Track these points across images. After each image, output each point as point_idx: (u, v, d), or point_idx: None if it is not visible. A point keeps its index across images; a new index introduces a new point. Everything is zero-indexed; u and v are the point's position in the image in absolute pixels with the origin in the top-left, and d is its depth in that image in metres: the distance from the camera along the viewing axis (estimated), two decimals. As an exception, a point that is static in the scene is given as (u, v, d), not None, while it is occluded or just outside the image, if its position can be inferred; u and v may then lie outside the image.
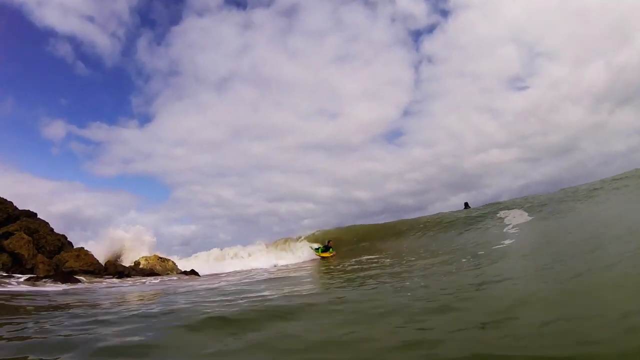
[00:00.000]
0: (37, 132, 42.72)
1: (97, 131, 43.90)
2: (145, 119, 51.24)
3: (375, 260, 11.87)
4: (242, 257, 20.41)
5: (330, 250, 17.56)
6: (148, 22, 46.66)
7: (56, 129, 42.12)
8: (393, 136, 53.86)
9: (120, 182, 45.17)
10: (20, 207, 15.86)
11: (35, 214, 16.17)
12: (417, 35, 51.28)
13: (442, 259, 9.03)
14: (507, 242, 9.85)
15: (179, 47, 47.99)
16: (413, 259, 10.44)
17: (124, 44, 43.61)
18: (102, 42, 41.40)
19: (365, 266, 10.52)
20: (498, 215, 15.55)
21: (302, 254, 19.10)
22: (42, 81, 43.86)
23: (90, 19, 42.25)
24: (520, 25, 42.52)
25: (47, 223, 15.93)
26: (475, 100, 45.33)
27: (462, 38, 45.39)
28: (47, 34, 42.61)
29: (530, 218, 13.45)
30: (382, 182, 41.58)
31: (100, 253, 16.75)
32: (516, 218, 13.97)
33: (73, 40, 43.73)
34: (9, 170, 34.79)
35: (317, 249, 18.00)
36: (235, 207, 41.66)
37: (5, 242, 13.32)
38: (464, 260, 8.11)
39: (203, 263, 19.31)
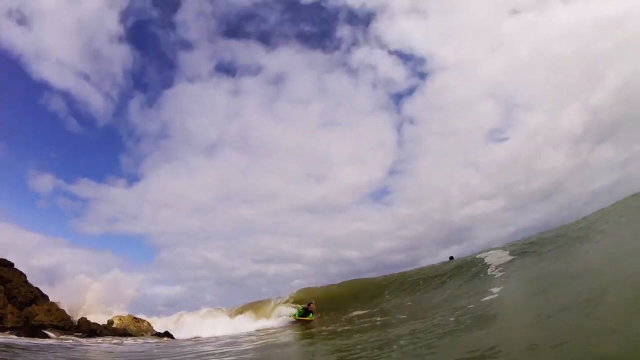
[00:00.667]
0: (24, 184, 42.22)
1: (85, 188, 43.64)
2: (133, 179, 51.58)
3: (367, 320, 11.90)
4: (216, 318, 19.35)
5: (310, 315, 15.50)
6: (141, 85, 49.46)
7: (44, 182, 41.64)
8: (380, 195, 55.43)
9: (105, 241, 43.29)
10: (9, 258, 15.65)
11: (12, 264, 15.81)
12: (398, 98, 51.48)
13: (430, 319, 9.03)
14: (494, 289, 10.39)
15: (170, 111, 50.11)
16: (403, 316, 10.86)
17: (117, 104, 45.58)
18: (96, 100, 43.26)
19: (355, 327, 10.59)
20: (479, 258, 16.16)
21: (281, 318, 17.55)
22: (34, 133, 44.05)
23: (86, 77, 44.27)
24: (496, 81, 46.11)
25: (22, 274, 15.53)
26: (458, 156, 46.58)
27: (440, 98, 47.09)
28: (42, 88, 43.16)
29: (511, 257, 14.34)
30: (371, 240, 41.74)
31: (66, 302, 16.22)
32: (498, 259, 14.63)
33: (67, 96, 45.38)
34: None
35: (295, 314, 16.16)
36: (222, 270, 40.43)
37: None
38: (451, 319, 8.12)
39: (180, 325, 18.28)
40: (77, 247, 39.38)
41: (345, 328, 10.93)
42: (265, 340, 11.45)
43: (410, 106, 49.23)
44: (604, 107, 34.77)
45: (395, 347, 6.39)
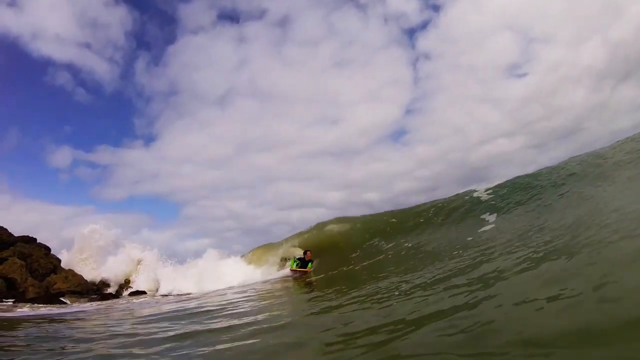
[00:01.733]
0: (44, 161, 44.69)
1: (103, 154, 45.70)
2: (149, 139, 52.87)
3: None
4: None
5: (310, 265, 12.63)
6: (144, 45, 48.72)
7: (62, 156, 43.81)
8: (397, 135, 53.26)
9: (131, 204, 46.46)
10: (32, 234, 17.01)
11: (35, 239, 17.12)
12: (411, 33, 49.78)
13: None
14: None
15: (176, 67, 49.77)
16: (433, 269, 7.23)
17: (122, 67, 45.52)
18: (101, 67, 43.39)
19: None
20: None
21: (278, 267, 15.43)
22: (45, 110, 45.95)
23: (87, 46, 44.34)
24: (512, 12, 41.74)
25: (44, 247, 16.78)
26: (476, 92, 44.03)
27: (455, 31, 44.10)
28: (45, 64, 44.58)
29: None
30: (390, 182, 40.99)
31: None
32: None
33: (71, 68, 46.12)
34: (19, 199, 36.79)
35: (290, 263, 13.39)
36: (247, 219, 42.02)
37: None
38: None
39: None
40: (105, 213, 42.69)
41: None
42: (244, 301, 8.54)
43: (425, 41, 45.59)
44: (625, 42, 28.70)
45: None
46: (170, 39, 52.44)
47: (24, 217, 32.14)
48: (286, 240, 17.39)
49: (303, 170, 48.13)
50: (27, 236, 17.05)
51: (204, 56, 50.27)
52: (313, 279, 11.51)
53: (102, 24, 43.72)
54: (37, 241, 17.16)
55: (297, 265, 12.88)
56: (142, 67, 46.49)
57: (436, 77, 47.91)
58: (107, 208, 44.50)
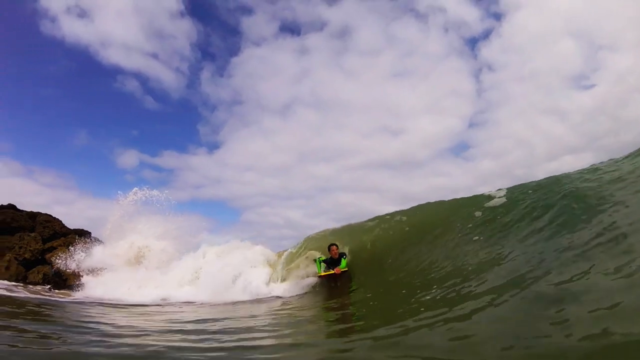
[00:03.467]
0: (112, 162, 47.83)
1: (169, 159, 48.61)
2: (213, 146, 55.80)
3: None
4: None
5: (343, 262, 9.08)
6: (209, 56, 51.62)
7: (129, 158, 47.05)
8: (460, 149, 50.47)
9: (193, 206, 47.99)
10: (93, 230, 18.11)
11: (89, 233, 17.90)
12: (473, 43, 47.84)
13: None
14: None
15: (240, 77, 51.92)
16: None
17: (188, 77, 48.43)
18: (167, 77, 46.49)
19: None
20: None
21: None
22: (114, 115, 49.66)
23: (154, 56, 47.66)
24: (577, 19, 38.72)
25: (95, 240, 17.36)
26: (540, 104, 42.39)
27: (518, 40, 41.82)
28: (115, 72, 47.79)
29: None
30: (452, 197, 37.13)
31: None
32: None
33: (139, 77, 49.75)
34: (84, 196, 39.63)
35: (318, 261, 9.60)
36: (304, 229, 41.31)
37: (47, 256, 14.72)
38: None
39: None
40: (171, 213, 44.08)
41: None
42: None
43: (488, 51, 43.60)
44: None
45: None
46: (234, 51, 55.49)
47: (86, 213, 34.60)
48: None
49: (362, 181, 47.10)
50: (82, 229, 17.89)
51: (266, 67, 52.33)
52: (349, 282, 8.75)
53: (168, 35, 47.43)
54: (92, 235, 17.93)
55: (325, 268, 9.36)
56: (207, 77, 49.58)
57: (500, 89, 45.86)
58: (170, 210, 46.54)
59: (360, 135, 50.86)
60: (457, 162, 45.62)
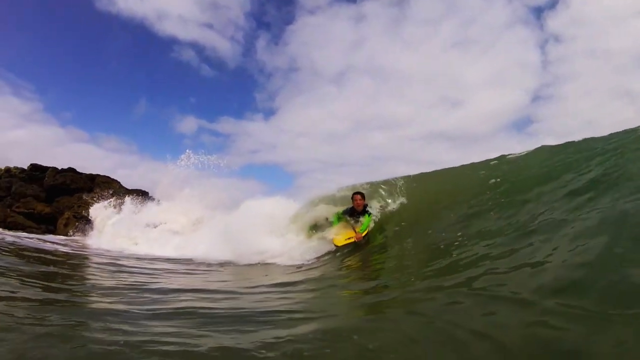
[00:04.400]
0: (171, 128, 50.35)
1: (226, 125, 49.46)
2: (269, 113, 55.12)
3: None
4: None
5: (367, 219, 6.75)
6: (263, 25, 49.83)
7: (188, 124, 48.95)
8: (523, 124, 46.61)
9: (249, 171, 48.62)
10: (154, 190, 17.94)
11: (146, 193, 17.58)
12: (538, 12, 43.60)
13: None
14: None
15: (295, 45, 50.77)
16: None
17: (244, 46, 47.68)
18: (223, 46, 46.36)
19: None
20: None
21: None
22: (172, 83, 51.27)
23: (209, 26, 47.61)
24: None
25: (151, 199, 16.90)
26: (610, 83, 39.55)
27: (588, 12, 39.41)
28: (171, 42, 49.12)
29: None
30: None
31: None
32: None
33: (195, 46, 50.55)
34: (145, 160, 42.18)
35: (336, 217, 7.11)
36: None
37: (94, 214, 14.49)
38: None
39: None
40: (223, 177, 44.88)
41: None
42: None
43: (554, 21, 41.35)
44: None
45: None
46: (289, 19, 54.13)
47: (148, 175, 36.95)
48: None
49: (418, 152, 43.20)
50: (140, 189, 17.68)
51: (321, 35, 50.47)
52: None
53: (223, 5, 46.92)
54: (149, 195, 17.58)
55: (343, 223, 6.86)
56: (262, 46, 48.63)
57: (568, 62, 42.72)
58: (226, 174, 48.00)
59: (417, 105, 46.95)
60: (519, 138, 42.63)
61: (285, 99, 53.57)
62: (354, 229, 6.65)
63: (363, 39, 51.16)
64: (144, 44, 49.05)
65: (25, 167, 18.07)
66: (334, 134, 52.98)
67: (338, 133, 51.79)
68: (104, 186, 16.45)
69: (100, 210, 14.18)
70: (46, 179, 16.63)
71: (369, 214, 6.94)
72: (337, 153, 52.29)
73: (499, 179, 6.25)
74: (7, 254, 6.09)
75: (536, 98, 46.80)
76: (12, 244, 8.05)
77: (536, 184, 5.10)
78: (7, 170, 18.57)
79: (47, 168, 17.27)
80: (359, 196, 6.93)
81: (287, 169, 53.58)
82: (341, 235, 6.64)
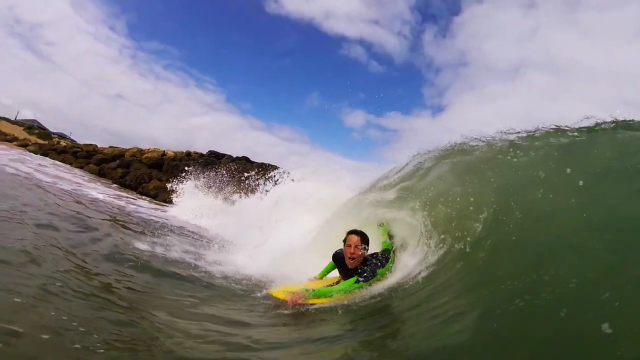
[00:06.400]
0: (340, 121, 52.00)
1: (393, 120, 49.07)
2: (437, 110, 52.48)
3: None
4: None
5: (356, 285, 3.70)
6: (429, 17, 46.66)
7: (356, 118, 50.16)
8: None
9: None
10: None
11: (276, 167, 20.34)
12: None
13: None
14: None
15: (463, 38, 45.10)
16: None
17: (410, 40, 45.91)
18: (390, 41, 45.30)
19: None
20: None
21: None
22: (342, 79, 52.53)
23: (375, 22, 46.79)
24: None
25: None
26: None
27: None
28: (340, 40, 50.84)
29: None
30: None
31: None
32: None
33: (363, 43, 50.32)
34: (315, 149, 44.83)
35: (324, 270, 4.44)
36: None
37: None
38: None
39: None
40: None
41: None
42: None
43: None
44: None
45: None
46: (455, 10, 49.60)
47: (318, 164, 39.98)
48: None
49: None
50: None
51: (491, 25, 43.64)
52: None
53: (388, 0, 45.75)
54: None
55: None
56: (429, 40, 46.45)
57: None
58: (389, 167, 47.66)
59: (600, 105, 36.27)
60: None
61: (454, 96, 50.75)
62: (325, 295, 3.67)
63: (536, 28, 44.17)
64: (314, 42, 53.36)
65: (204, 153, 22.35)
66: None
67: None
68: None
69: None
70: (221, 165, 20.47)
71: (366, 280, 3.71)
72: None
73: None
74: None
75: None
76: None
77: None
78: (188, 153, 23.30)
79: (223, 155, 21.05)
80: (354, 238, 3.87)
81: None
82: (289, 288, 3.84)
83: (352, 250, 3.82)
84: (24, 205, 5.44)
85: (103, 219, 6.51)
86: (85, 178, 18.26)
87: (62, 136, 61.57)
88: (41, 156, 28.25)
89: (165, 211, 13.22)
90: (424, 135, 49.56)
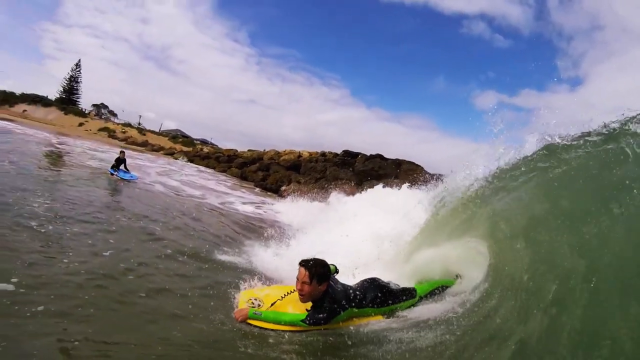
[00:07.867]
0: (469, 104, 46.88)
1: (527, 98, 41.82)
2: (575, 83, 42.70)
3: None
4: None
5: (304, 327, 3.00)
6: None
7: (487, 99, 44.61)
8: None
9: None
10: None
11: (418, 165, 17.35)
12: None
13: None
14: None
15: None
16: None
17: (535, 8, 37.77)
18: (512, 11, 38.36)
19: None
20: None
21: None
22: (466, 59, 47.47)
23: None
24: None
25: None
26: None
27: None
28: (459, 19, 45.97)
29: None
30: None
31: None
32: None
33: (484, 18, 43.74)
34: (446, 136, 40.97)
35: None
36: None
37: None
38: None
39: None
40: None
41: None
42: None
43: None
44: None
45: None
46: None
47: (449, 151, 36.25)
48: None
49: None
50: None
51: None
52: None
53: None
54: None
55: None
56: (554, 5, 37.93)
57: None
58: None
59: None
60: None
61: (590, 66, 42.85)
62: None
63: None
64: (432, 24, 50.51)
65: (337, 151, 21.31)
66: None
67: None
68: (409, 173, 16.91)
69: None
70: (356, 164, 18.81)
71: (310, 324, 2.96)
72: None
73: None
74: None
75: None
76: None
77: None
78: (323, 154, 22.48)
79: (357, 154, 19.66)
80: (302, 272, 2.98)
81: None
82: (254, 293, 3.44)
83: (298, 286, 3.01)
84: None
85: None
86: (229, 184, 18.73)
87: (204, 142, 68.94)
88: (188, 162, 31.55)
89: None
90: (563, 112, 39.42)
